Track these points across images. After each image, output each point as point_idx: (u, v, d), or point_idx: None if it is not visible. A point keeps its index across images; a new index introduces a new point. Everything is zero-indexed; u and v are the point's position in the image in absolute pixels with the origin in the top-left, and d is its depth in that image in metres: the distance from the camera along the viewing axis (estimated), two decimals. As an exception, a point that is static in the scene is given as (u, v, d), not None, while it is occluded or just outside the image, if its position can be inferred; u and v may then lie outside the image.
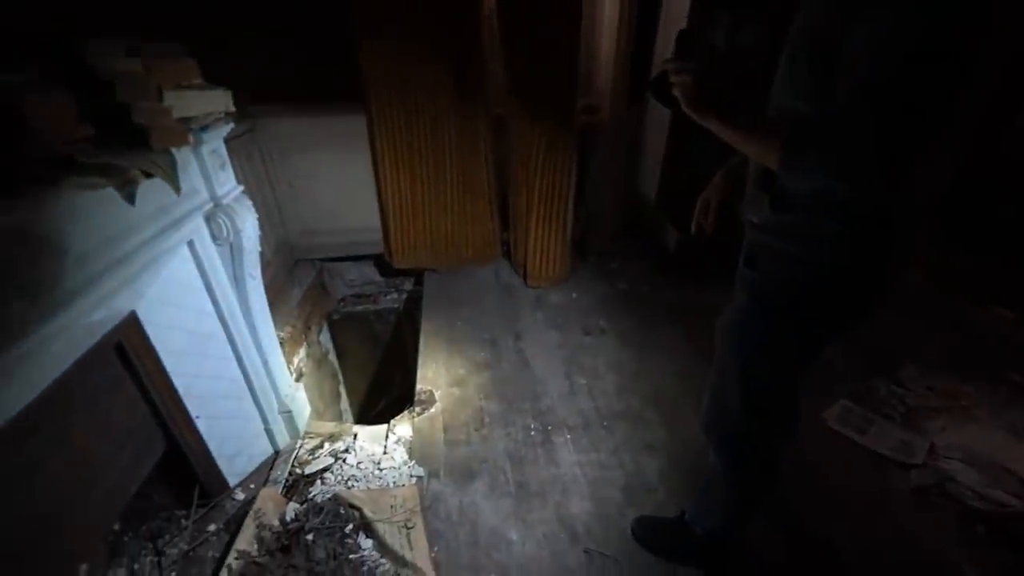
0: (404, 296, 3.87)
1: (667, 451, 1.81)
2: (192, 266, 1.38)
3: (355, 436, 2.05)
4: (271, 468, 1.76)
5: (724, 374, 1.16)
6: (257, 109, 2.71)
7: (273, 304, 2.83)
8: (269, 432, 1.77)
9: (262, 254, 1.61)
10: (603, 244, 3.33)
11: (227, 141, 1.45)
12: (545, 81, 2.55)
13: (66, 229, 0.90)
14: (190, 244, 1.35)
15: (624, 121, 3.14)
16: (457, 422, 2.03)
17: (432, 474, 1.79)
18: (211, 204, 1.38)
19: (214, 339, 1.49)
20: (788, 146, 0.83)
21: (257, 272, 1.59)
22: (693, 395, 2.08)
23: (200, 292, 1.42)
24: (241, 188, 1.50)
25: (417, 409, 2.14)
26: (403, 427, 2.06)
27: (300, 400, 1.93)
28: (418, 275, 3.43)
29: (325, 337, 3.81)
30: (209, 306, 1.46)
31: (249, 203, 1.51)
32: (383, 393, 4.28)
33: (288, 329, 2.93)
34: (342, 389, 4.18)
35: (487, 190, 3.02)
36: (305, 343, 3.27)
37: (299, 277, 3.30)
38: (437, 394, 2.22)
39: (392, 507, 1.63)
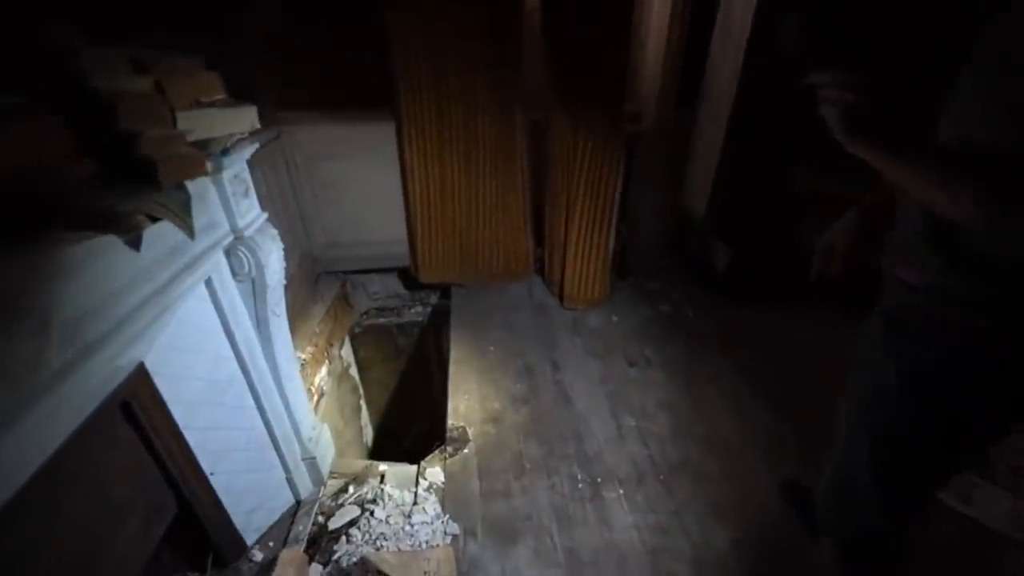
0: (429, 309, 3.71)
1: (738, 515, 1.60)
2: (209, 306, 1.21)
3: (382, 478, 1.87)
4: (292, 521, 1.60)
5: (853, 453, 0.95)
6: (284, 116, 2.56)
7: (294, 323, 2.69)
8: (290, 481, 1.60)
9: (286, 285, 1.44)
10: (643, 262, 3.11)
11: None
12: (591, 82, 2.35)
13: (58, 292, 0.73)
14: (207, 282, 1.18)
15: (670, 128, 2.91)
16: (494, 467, 1.84)
17: (469, 532, 1.60)
18: (232, 237, 1.21)
19: (232, 386, 1.33)
20: (987, 193, 0.62)
21: (282, 308, 1.42)
22: (758, 443, 1.85)
23: (217, 335, 1.25)
24: (265, 216, 1.33)
25: (449, 449, 1.96)
26: (434, 470, 1.87)
27: (324, 442, 1.76)
28: (444, 288, 3.25)
29: (347, 350, 3.67)
30: (227, 349, 1.29)
31: (275, 232, 1.34)
32: (405, 408, 4.13)
33: (309, 349, 2.77)
34: (363, 403, 4.03)
35: (522, 202, 2.83)
36: (327, 360, 3.12)
37: (322, 291, 3.15)
38: (470, 432, 2.03)
39: (426, 573, 1.45)
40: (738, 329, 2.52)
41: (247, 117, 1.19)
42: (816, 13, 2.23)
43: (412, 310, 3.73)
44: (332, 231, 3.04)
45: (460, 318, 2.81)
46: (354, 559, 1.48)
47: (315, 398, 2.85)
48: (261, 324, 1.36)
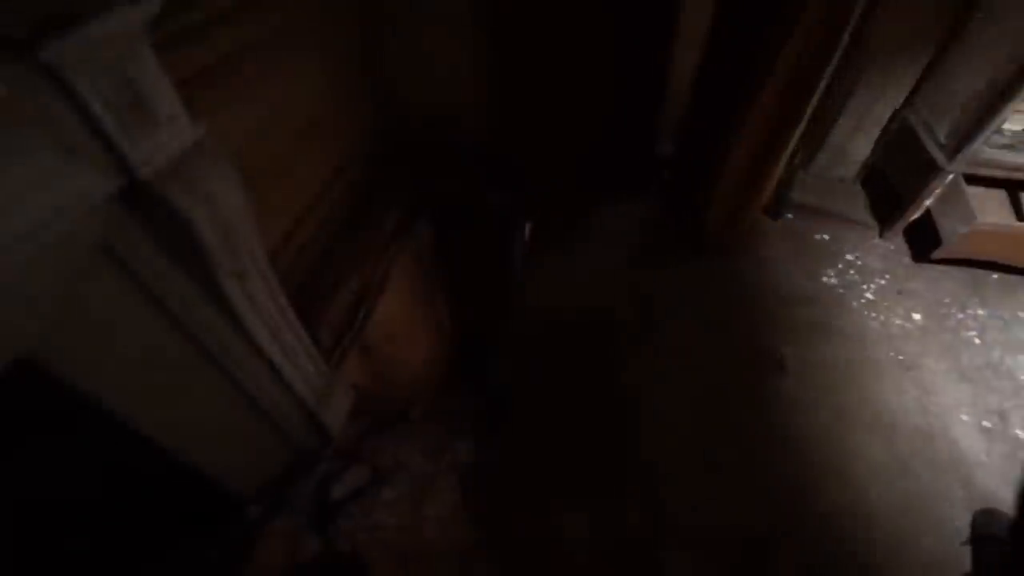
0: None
1: None
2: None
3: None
4: (290, 479, 1.38)
5: None
6: None
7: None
8: (286, 435, 1.34)
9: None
10: (814, 191, 2.11)
11: None
12: None
13: None
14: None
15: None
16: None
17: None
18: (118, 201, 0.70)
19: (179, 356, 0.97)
20: None
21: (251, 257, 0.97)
22: None
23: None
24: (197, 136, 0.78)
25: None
26: (466, 446, 1.56)
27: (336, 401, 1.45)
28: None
29: None
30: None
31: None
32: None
33: None
34: None
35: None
36: None
37: None
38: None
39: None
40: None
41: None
42: None
43: None
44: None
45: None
46: (347, 547, 1.29)
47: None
48: (211, 292, 0.94)
